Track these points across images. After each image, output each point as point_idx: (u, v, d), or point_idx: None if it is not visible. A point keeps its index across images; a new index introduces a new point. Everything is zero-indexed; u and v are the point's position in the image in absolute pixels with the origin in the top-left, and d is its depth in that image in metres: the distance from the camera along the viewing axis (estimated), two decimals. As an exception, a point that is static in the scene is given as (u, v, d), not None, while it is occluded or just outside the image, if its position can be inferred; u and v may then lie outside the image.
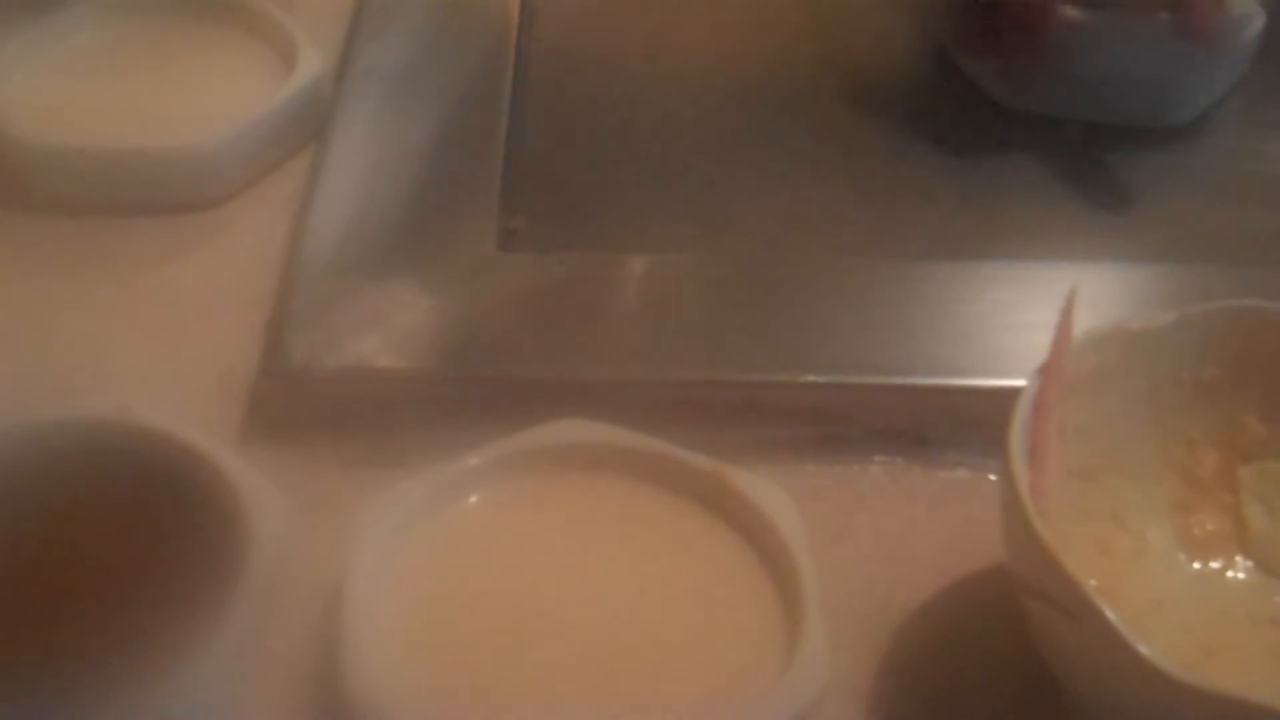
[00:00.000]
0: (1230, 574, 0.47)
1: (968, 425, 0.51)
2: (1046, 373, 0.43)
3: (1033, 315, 0.53)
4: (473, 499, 0.48)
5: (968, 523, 0.50)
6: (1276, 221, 0.64)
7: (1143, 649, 0.37)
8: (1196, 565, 0.47)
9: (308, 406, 0.53)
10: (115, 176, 0.61)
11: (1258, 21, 0.66)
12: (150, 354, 0.56)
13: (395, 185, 0.60)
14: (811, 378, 0.53)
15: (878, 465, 0.53)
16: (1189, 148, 0.68)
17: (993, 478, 0.45)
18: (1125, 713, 0.40)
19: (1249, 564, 0.47)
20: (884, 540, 0.50)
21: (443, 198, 0.60)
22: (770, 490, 0.47)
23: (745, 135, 0.68)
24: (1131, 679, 0.37)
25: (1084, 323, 0.44)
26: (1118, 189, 0.65)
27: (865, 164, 0.66)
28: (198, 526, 0.46)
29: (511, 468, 0.48)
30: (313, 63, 0.64)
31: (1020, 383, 0.43)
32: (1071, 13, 0.64)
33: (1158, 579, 0.47)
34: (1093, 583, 0.38)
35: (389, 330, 0.54)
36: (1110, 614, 0.37)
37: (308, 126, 0.64)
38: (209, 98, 0.64)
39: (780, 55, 0.73)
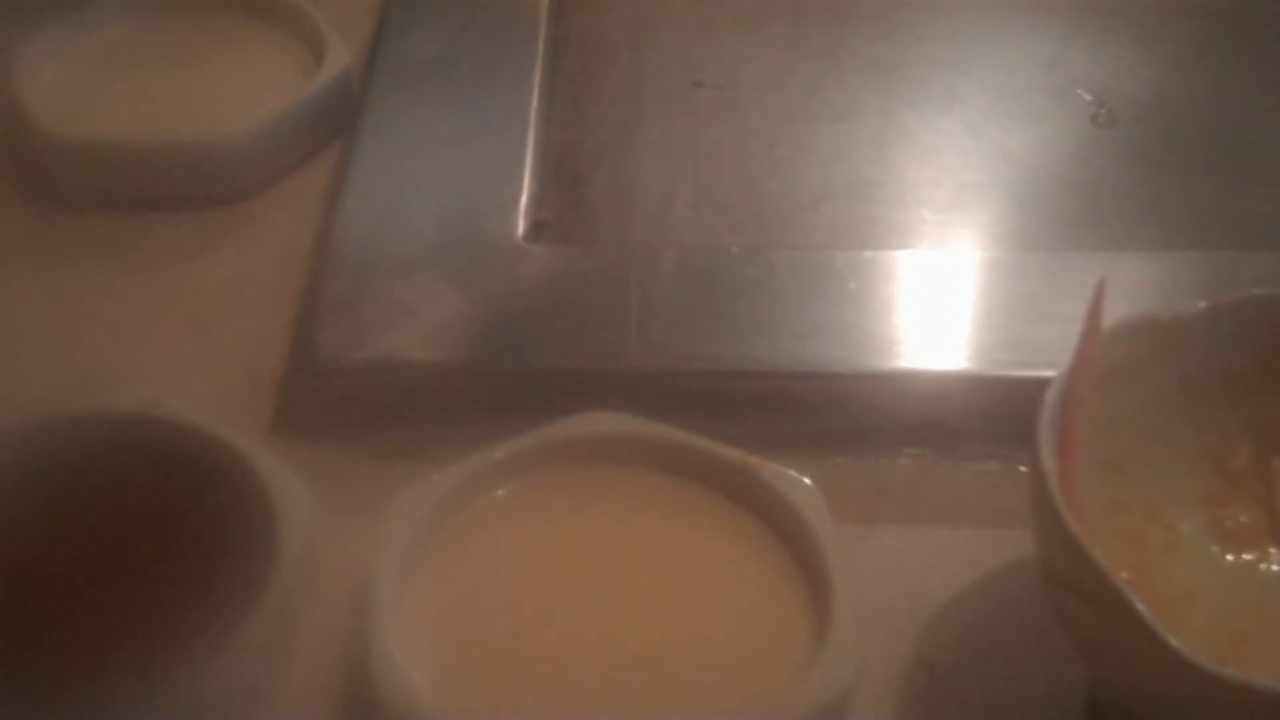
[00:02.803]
0: (1264, 566, 0.47)
1: (997, 417, 0.51)
2: (1076, 364, 0.43)
3: (1062, 306, 0.52)
4: (501, 491, 0.48)
5: (997, 515, 0.50)
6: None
7: (1173, 642, 0.36)
8: (1230, 558, 0.47)
9: (337, 399, 0.53)
10: (144, 170, 0.61)
11: None
12: (180, 347, 0.56)
13: (424, 178, 0.60)
14: (840, 370, 0.53)
15: (907, 457, 0.52)
16: (1219, 134, 0.67)
17: (1022, 469, 0.45)
18: (1157, 706, 0.40)
19: (1283, 556, 0.47)
20: (913, 533, 0.50)
21: (471, 190, 0.60)
22: (799, 483, 0.47)
23: (776, 125, 0.68)
24: (1162, 672, 0.37)
25: (1114, 313, 0.44)
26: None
27: (894, 155, 0.66)
28: (227, 519, 0.46)
29: (539, 460, 0.48)
30: (341, 55, 0.64)
31: (1050, 374, 0.43)
32: None
33: (1190, 571, 0.46)
34: (1124, 575, 0.38)
35: (417, 323, 0.54)
36: (1141, 607, 0.37)
37: (336, 119, 0.64)
38: (237, 91, 0.64)
39: (809, 41, 0.72)
